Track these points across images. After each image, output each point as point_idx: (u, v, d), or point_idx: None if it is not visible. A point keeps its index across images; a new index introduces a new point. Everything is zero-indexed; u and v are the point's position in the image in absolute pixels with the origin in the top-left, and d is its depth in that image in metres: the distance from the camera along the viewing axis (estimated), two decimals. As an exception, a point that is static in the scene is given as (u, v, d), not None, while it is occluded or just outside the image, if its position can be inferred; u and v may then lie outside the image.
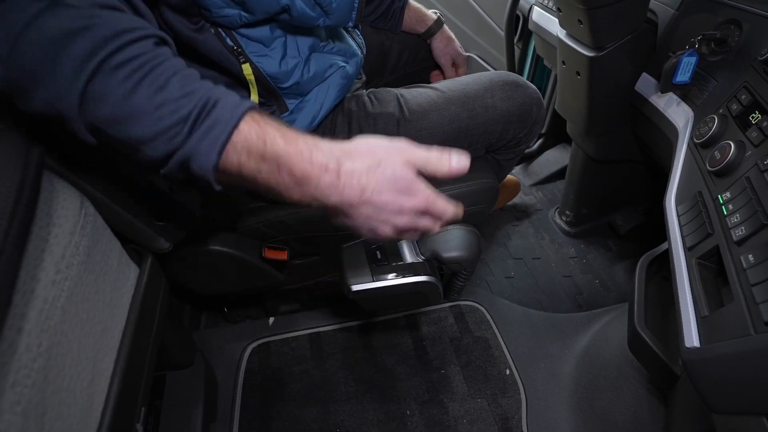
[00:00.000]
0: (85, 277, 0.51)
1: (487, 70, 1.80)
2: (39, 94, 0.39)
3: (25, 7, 0.38)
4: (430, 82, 1.15)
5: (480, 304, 1.17)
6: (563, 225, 1.43)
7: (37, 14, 0.38)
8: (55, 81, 0.38)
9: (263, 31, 0.64)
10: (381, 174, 0.46)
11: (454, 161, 0.49)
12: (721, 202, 0.59)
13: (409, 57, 1.05)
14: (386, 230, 0.49)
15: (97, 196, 0.57)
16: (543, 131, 1.66)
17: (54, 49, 0.38)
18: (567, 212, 1.41)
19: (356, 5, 0.66)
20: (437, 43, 1.03)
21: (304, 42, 0.70)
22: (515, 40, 1.54)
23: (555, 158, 1.63)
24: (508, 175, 1.47)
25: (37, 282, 0.44)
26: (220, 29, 0.62)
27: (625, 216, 1.34)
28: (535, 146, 1.68)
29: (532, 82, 1.60)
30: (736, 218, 0.55)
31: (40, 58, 0.38)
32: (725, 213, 0.58)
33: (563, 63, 1.03)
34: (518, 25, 1.49)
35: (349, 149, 0.47)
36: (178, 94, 0.41)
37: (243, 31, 0.63)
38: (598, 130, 1.06)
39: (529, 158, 1.69)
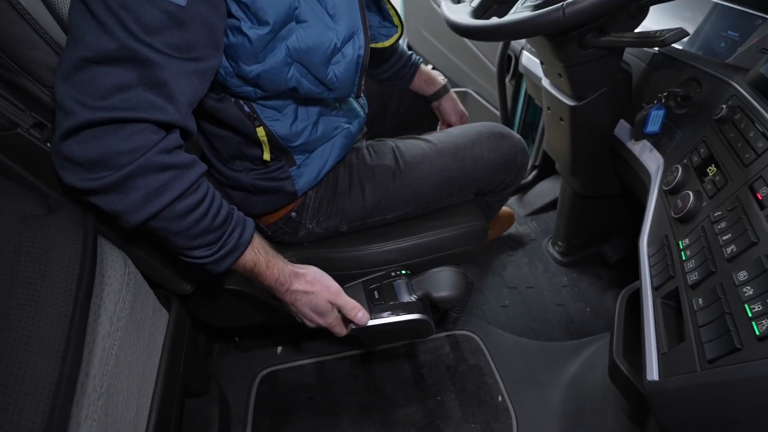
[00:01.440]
0: (130, 326, 0.60)
1: (482, 104, 1.89)
2: (111, 203, 0.54)
3: (148, 138, 0.53)
4: (426, 126, 1.24)
5: (475, 333, 1.23)
6: (556, 255, 1.49)
7: (152, 146, 0.53)
8: (134, 200, 0.54)
9: (276, 101, 0.73)
10: (309, 300, 0.72)
11: (358, 316, 0.73)
12: (681, 247, 0.66)
13: (407, 105, 1.14)
14: (306, 323, 0.76)
15: (134, 251, 0.65)
16: (537, 163, 1.74)
17: (147, 182, 0.54)
18: (559, 243, 1.48)
19: (357, 81, 0.75)
20: (446, 105, 1.13)
21: (314, 108, 0.78)
22: (508, 79, 1.63)
23: (548, 189, 1.71)
24: (503, 207, 1.54)
25: (97, 334, 0.52)
26: (241, 101, 0.71)
27: (614, 247, 1.41)
28: (530, 177, 1.76)
29: (524, 117, 1.70)
30: (692, 264, 0.62)
31: (145, 193, 0.54)
32: (683, 258, 0.64)
33: (548, 108, 1.11)
34: (510, 65, 1.58)
35: (302, 274, 0.71)
36: (214, 225, 0.61)
37: (259, 101, 0.72)
38: (582, 169, 1.14)
39: (523, 189, 1.77)
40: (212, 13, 0.55)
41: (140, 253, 0.71)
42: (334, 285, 0.74)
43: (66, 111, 0.51)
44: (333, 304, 0.73)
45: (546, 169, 1.72)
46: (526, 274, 1.45)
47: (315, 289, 0.71)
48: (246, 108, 0.72)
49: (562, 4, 0.65)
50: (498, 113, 1.70)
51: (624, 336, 0.87)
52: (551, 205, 1.66)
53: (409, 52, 1.09)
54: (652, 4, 0.77)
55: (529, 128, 1.75)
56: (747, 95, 0.68)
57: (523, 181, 1.76)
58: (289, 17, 0.62)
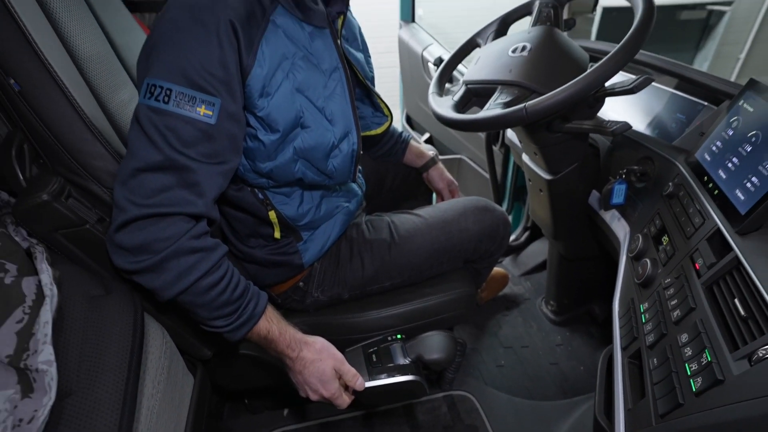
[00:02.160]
0: (167, 388, 0.69)
1: (475, 170, 2.02)
2: (150, 281, 0.65)
3: (181, 227, 0.65)
4: (420, 196, 1.35)
5: (471, 394, 1.27)
6: (549, 313, 1.55)
7: (184, 234, 0.65)
8: (168, 278, 0.65)
9: (285, 188, 0.85)
10: (316, 367, 0.78)
11: (357, 384, 0.82)
12: (642, 311, 0.74)
13: (401, 179, 1.26)
14: (310, 396, 0.81)
15: (166, 322, 0.75)
16: (529, 225, 1.84)
17: (179, 263, 0.65)
18: (551, 302, 1.54)
19: (352, 169, 0.87)
20: (434, 175, 1.24)
21: (317, 192, 0.89)
22: (498, 147, 1.77)
23: (540, 250, 1.79)
24: (497, 269, 1.63)
25: (143, 395, 0.61)
26: (255, 189, 0.83)
27: (601, 306, 1.47)
28: (522, 239, 1.86)
29: (515, 181, 1.82)
30: (650, 326, 0.69)
31: (177, 272, 0.65)
32: (643, 321, 0.72)
33: (529, 180, 1.23)
34: (499, 135, 1.72)
35: (309, 344, 0.79)
36: (232, 298, 0.71)
37: (271, 189, 0.84)
38: (563, 234, 1.24)
39: (517, 250, 1.86)
40: (235, 127, 0.68)
41: (171, 323, 0.81)
42: (339, 354, 0.81)
43: (120, 208, 0.64)
44: (337, 372, 0.80)
45: (538, 230, 1.81)
46: (521, 333, 1.51)
47: (322, 356, 0.79)
48: (260, 195, 0.83)
49: (525, 105, 0.78)
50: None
51: (606, 394, 0.93)
52: (543, 265, 1.74)
53: (399, 131, 1.22)
54: (603, 98, 0.90)
55: (519, 192, 1.86)
56: (687, 176, 0.78)
57: (516, 242, 1.85)
58: (296, 124, 0.75)
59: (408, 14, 2.32)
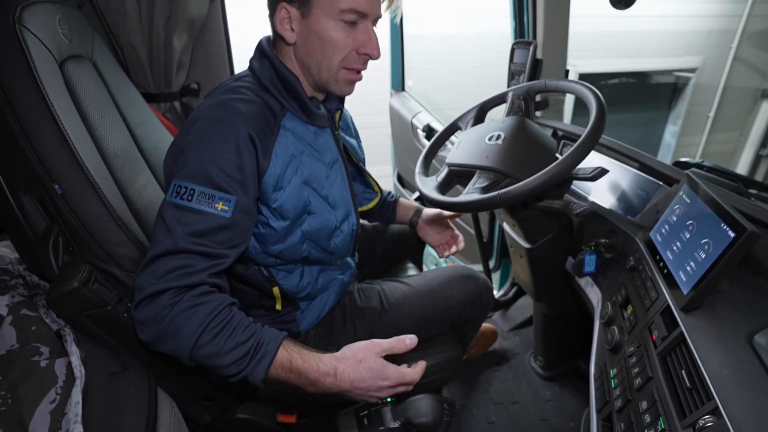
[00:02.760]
0: None
1: (464, 227, 2.13)
2: (169, 345, 0.71)
3: (183, 294, 0.72)
4: (410, 258, 1.44)
5: (464, 452, 1.31)
6: (538, 369, 1.61)
7: (185, 295, 0.72)
8: (182, 336, 0.71)
9: (289, 266, 0.94)
10: (362, 368, 0.77)
11: (408, 342, 0.81)
12: (612, 375, 0.82)
13: (392, 246, 1.36)
14: (375, 398, 0.80)
15: (172, 390, 0.82)
16: (516, 281, 1.93)
17: (193, 326, 0.71)
18: (539, 357, 1.61)
19: (352, 246, 0.97)
20: (425, 218, 1.28)
21: (316, 267, 0.99)
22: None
23: (528, 305, 1.87)
24: (487, 325, 1.70)
25: None
26: (262, 267, 0.92)
27: (587, 362, 1.53)
28: (511, 294, 1.94)
29: (501, 240, 1.92)
30: (617, 391, 0.77)
31: (185, 328, 0.71)
32: (613, 386, 0.80)
33: (511, 246, 1.33)
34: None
35: (341, 356, 0.78)
36: (243, 338, 0.74)
37: (276, 267, 0.93)
38: (544, 295, 1.33)
39: (505, 305, 1.93)
40: (246, 219, 0.79)
41: (176, 392, 0.87)
42: (369, 342, 0.79)
43: (140, 289, 0.72)
44: (382, 354, 0.78)
45: (525, 287, 1.90)
46: (511, 389, 1.56)
47: (358, 356, 0.77)
48: (266, 272, 0.92)
49: (498, 193, 0.89)
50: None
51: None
52: (531, 320, 1.81)
53: (387, 192, 1.31)
54: (571, 181, 1.02)
55: (506, 249, 1.96)
56: (645, 252, 0.88)
57: (504, 298, 1.93)
58: (304, 211, 0.86)
59: (398, 84, 2.51)
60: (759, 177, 4.78)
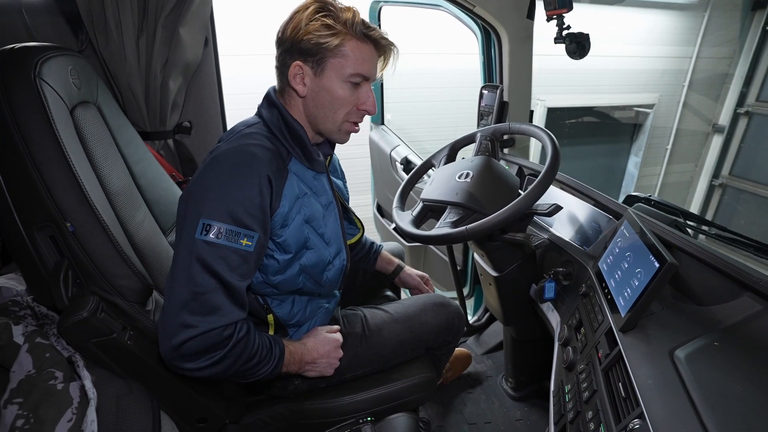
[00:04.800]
0: None
1: (439, 255, 2.24)
2: (219, 369, 0.86)
3: (232, 330, 0.86)
4: (390, 287, 1.53)
5: (439, 471, 1.39)
6: (509, 390, 1.71)
7: (235, 334, 0.86)
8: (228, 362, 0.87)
9: (284, 295, 1.03)
10: (320, 337, 1.05)
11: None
12: (566, 391, 0.92)
13: (371, 276, 1.45)
14: (335, 361, 1.06)
15: (171, 414, 0.88)
16: (488, 307, 2.04)
17: (238, 351, 0.87)
18: (510, 379, 1.71)
19: (341, 279, 1.07)
20: (404, 277, 1.42)
21: (305, 297, 1.07)
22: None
23: (500, 329, 1.98)
24: (461, 349, 1.80)
25: None
26: (258, 296, 1.01)
27: (553, 381, 1.65)
28: (484, 319, 2.04)
29: (474, 267, 2.03)
30: (570, 405, 0.87)
31: (233, 352, 0.86)
32: (566, 400, 0.90)
33: (481, 275, 1.44)
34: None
35: (305, 338, 1.05)
36: (262, 344, 0.91)
37: (272, 296, 1.02)
38: (512, 320, 1.44)
39: (479, 330, 2.04)
40: (262, 253, 0.89)
41: (174, 415, 0.93)
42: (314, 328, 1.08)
43: (185, 326, 0.81)
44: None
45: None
46: (484, 410, 1.65)
47: (314, 332, 1.07)
48: (261, 300, 1.01)
49: (466, 228, 1.00)
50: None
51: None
52: (502, 344, 1.92)
53: (371, 241, 1.42)
54: (531, 216, 1.14)
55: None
56: (594, 279, 1.01)
57: (478, 323, 2.04)
58: (303, 246, 0.96)
59: (378, 118, 2.65)
60: (713, 204, 5.12)
